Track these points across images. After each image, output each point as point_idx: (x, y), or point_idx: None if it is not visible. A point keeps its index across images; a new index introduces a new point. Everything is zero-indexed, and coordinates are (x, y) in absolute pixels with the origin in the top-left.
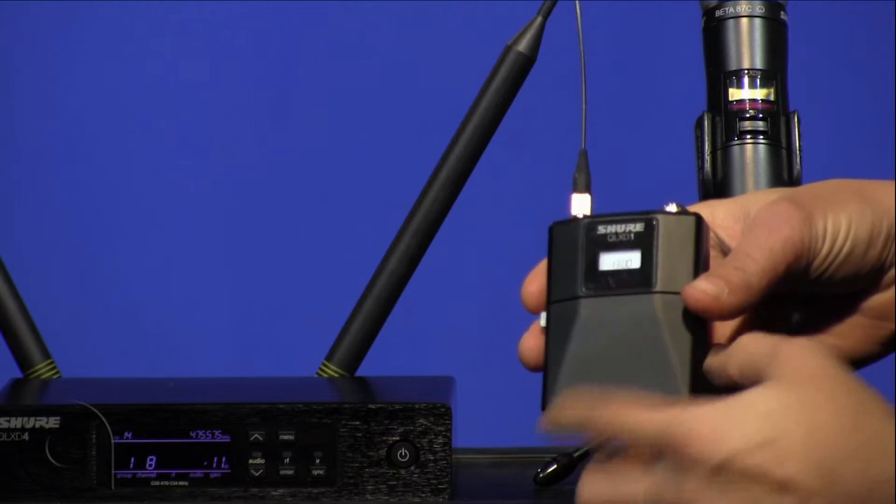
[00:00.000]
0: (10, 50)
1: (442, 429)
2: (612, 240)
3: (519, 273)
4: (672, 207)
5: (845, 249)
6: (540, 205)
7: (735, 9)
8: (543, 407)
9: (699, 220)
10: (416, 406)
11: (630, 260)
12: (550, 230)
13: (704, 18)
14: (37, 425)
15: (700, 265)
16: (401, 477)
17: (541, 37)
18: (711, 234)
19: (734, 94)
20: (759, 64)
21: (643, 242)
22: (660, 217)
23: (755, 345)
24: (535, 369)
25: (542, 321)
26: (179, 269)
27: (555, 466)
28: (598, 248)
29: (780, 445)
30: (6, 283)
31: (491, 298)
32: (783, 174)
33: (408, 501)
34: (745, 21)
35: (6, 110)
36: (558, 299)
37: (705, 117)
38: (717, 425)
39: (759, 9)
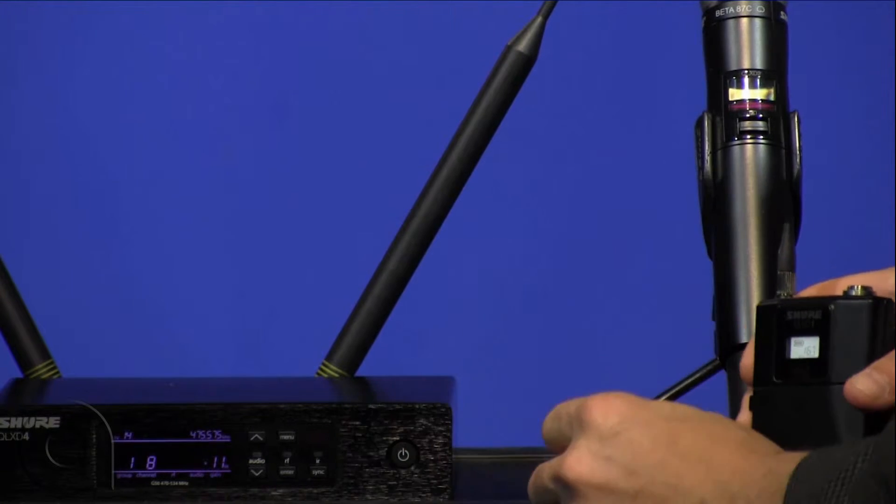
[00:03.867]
0: (13, 51)
1: (442, 429)
2: (797, 326)
3: (518, 273)
4: (857, 290)
5: None
6: (540, 205)
7: (735, 9)
8: None
9: (875, 306)
10: (417, 406)
11: (811, 348)
12: (757, 310)
13: (704, 18)
14: (37, 425)
15: (876, 353)
16: (401, 477)
17: (541, 37)
18: None
19: (734, 94)
20: (759, 64)
21: (821, 330)
22: (835, 305)
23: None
24: None
25: (748, 401)
26: (180, 269)
27: None
28: (787, 334)
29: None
30: (6, 283)
31: (491, 298)
32: (783, 174)
33: (408, 501)
34: (745, 21)
35: (5, 110)
36: (760, 383)
37: (705, 117)
38: (609, 401)
39: (759, 9)
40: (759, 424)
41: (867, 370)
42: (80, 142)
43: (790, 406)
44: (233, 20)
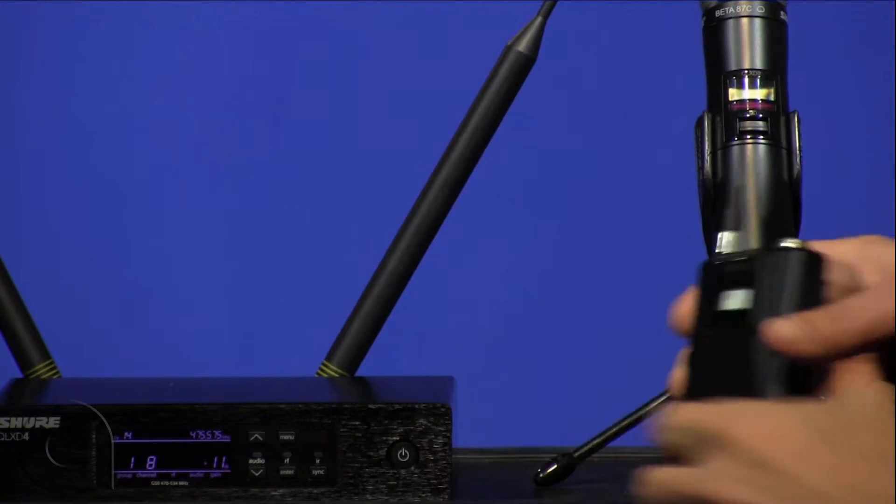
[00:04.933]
0: (15, 51)
1: (442, 429)
2: (729, 279)
3: (518, 272)
4: (789, 242)
5: None
6: (540, 205)
7: (735, 9)
8: None
9: (807, 257)
10: (416, 406)
11: (742, 299)
12: (697, 270)
13: (704, 18)
14: (37, 425)
15: (805, 303)
16: (401, 477)
17: (541, 37)
18: (842, 271)
19: (734, 94)
20: (759, 64)
21: (751, 282)
22: (764, 255)
23: None
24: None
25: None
26: (179, 268)
27: (555, 466)
28: (720, 287)
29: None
30: (6, 283)
31: (491, 298)
32: (783, 174)
33: (408, 501)
34: (745, 21)
35: (4, 110)
36: (693, 333)
37: (705, 117)
38: (765, 420)
39: (759, 9)
40: (690, 379)
41: (791, 316)
42: (79, 143)
43: (718, 358)
44: (233, 21)
